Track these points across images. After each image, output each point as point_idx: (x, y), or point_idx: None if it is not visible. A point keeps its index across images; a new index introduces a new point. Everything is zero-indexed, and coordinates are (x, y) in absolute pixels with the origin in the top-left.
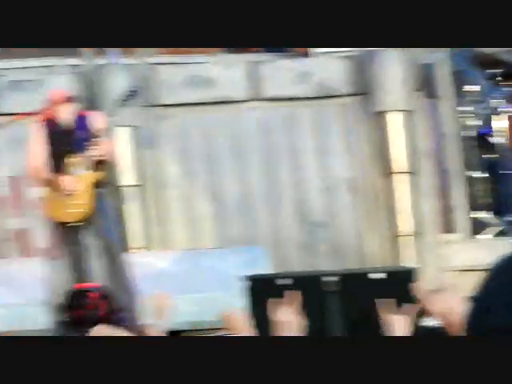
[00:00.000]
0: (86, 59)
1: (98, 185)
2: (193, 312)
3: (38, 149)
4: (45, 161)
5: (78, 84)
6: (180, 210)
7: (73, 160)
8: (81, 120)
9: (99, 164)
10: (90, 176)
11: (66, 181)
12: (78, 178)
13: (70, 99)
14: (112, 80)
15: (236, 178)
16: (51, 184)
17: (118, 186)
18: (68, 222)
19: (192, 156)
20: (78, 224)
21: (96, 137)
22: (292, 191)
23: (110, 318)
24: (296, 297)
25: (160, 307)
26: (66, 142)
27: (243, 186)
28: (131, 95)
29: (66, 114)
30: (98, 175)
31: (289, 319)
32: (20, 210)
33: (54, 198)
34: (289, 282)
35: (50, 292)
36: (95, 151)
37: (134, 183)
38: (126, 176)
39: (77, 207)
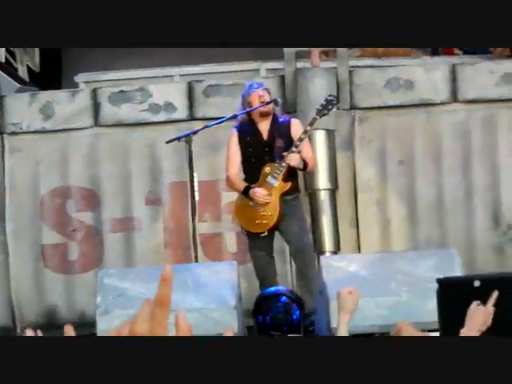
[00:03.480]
0: (287, 62)
1: (289, 192)
2: (383, 316)
3: (236, 155)
4: (242, 168)
5: (278, 88)
6: (373, 213)
7: (269, 170)
8: (280, 127)
9: (294, 174)
10: (282, 187)
11: (259, 192)
12: (271, 190)
13: (269, 102)
14: (312, 84)
15: (431, 181)
16: (244, 193)
17: (313, 190)
18: (256, 233)
19: (388, 158)
20: (265, 233)
21: (296, 147)
22: (487, 193)
23: (302, 323)
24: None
25: (351, 301)
26: (264, 150)
27: (438, 188)
28: (329, 105)
29: (266, 119)
30: (289, 186)
31: (484, 321)
32: (212, 214)
33: (244, 206)
34: (482, 284)
35: (240, 296)
36: (293, 162)
37: (329, 187)
38: (321, 180)
39: (265, 219)
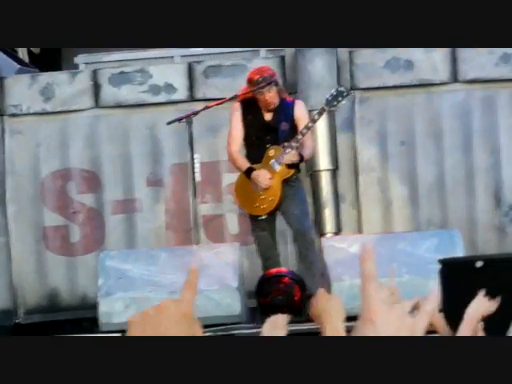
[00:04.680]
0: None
1: (290, 177)
2: None
3: (238, 132)
4: (243, 146)
5: (278, 69)
6: (374, 194)
7: (272, 153)
8: (285, 109)
9: (296, 161)
10: (284, 172)
11: (261, 176)
12: (273, 174)
13: (273, 77)
14: (312, 64)
15: (432, 161)
16: (246, 175)
17: (314, 171)
18: (256, 215)
19: (389, 139)
20: (264, 217)
21: (302, 134)
22: (488, 174)
23: (303, 304)
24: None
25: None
26: (266, 131)
27: (439, 168)
28: (339, 96)
29: (269, 99)
30: (292, 172)
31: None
32: (213, 195)
33: (245, 188)
34: (484, 264)
35: (243, 278)
36: (296, 150)
37: (330, 167)
38: (322, 160)
39: (264, 203)
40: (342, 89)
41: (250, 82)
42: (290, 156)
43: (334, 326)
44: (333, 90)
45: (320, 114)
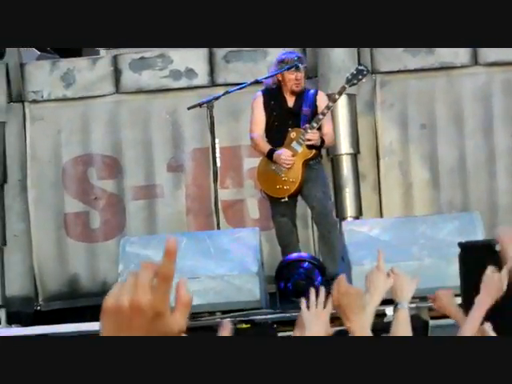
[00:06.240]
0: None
1: (311, 159)
2: None
3: (261, 117)
4: (265, 131)
5: (301, 53)
6: (395, 178)
7: (294, 135)
8: (307, 96)
9: (317, 141)
10: (306, 153)
11: (283, 154)
12: (295, 155)
13: (300, 60)
14: (333, 49)
15: (453, 144)
16: (268, 156)
17: (335, 155)
18: (278, 198)
19: (410, 122)
20: (287, 198)
21: (323, 114)
22: (509, 156)
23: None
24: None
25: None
26: (289, 115)
27: (459, 151)
28: (359, 74)
29: (300, 79)
30: (313, 153)
31: (499, 288)
32: (233, 180)
33: (267, 171)
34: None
35: (262, 263)
36: (312, 141)
37: (351, 151)
38: (343, 144)
39: (287, 184)
40: (361, 67)
41: (283, 61)
42: (311, 135)
43: (360, 325)
44: (353, 69)
45: (340, 93)
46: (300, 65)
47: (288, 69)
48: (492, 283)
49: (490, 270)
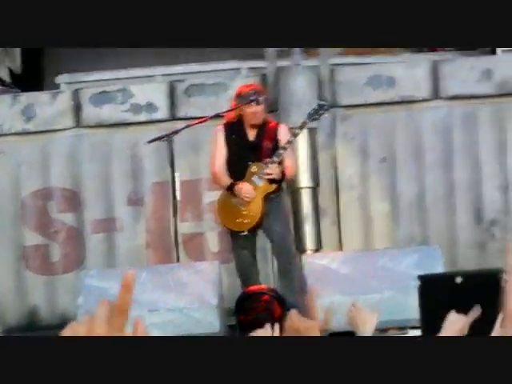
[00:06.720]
0: (269, 61)
1: (271, 193)
2: None
3: (221, 152)
4: (225, 165)
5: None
6: (355, 211)
7: (255, 169)
8: (268, 130)
9: (278, 175)
10: (266, 187)
11: (244, 188)
12: (256, 189)
13: (264, 93)
14: (294, 82)
15: (412, 178)
16: (229, 189)
17: (295, 188)
18: (237, 231)
19: (370, 156)
20: (247, 233)
21: (284, 149)
22: (468, 190)
23: (283, 320)
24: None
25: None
26: (250, 150)
27: (419, 185)
28: (320, 109)
29: (260, 112)
30: (274, 188)
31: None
32: (193, 214)
33: (228, 204)
34: (464, 280)
35: (222, 296)
36: (273, 175)
37: (311, 185)
38: (303, 178)
39: (247, 218)
40: (322, 102)
41: (241, 95)
42: (272, 170)
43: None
44: (314, 105)
45: (301, 128)
46: (259, 98)
47: (246, 103)
48: (454, 326)
49: (453, 313)
